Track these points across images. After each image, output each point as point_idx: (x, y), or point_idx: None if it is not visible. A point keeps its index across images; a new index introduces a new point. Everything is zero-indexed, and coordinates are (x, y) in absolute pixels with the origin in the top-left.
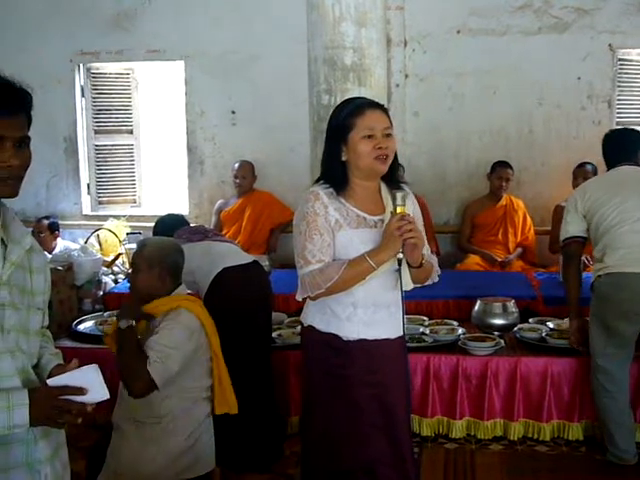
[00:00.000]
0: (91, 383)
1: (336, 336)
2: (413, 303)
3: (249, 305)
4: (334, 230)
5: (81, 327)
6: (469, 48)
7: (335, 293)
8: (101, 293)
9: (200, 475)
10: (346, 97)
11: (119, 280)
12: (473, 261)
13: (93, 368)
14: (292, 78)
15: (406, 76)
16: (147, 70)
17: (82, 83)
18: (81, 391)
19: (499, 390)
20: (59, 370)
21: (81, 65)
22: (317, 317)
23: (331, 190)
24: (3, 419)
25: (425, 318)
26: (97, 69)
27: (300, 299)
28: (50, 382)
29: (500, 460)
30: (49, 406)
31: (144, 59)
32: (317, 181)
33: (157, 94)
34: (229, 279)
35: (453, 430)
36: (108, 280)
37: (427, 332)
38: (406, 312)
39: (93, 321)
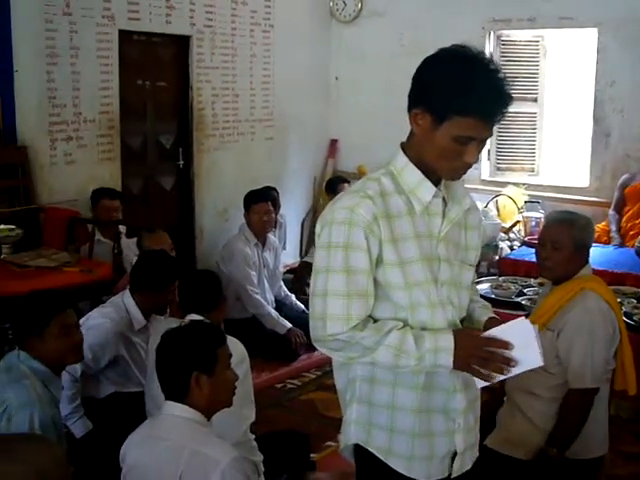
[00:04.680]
0: (524, 343)
1: None
2: None
3: None
4: None
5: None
6: None
7: None
8: (497, 258)
9: (590, 458)
10: None
11: (514, 247)
12: None
13: (528, 326)
14: None
15: None
16: (557, 37)
17: (492, 50)
18: (507, 345)
19: None
20: (493, 323)
21: (492, 32)
22: None
23: None
24: (430, 359)
25: None
26: (507, 36)
27: None
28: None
29: None
30: (471, 355)
31: (555, 26)
32: None
33: (566, 62)
34: None
35: None
36: (504, 246)
37: None
38: None
39: (489, 284)
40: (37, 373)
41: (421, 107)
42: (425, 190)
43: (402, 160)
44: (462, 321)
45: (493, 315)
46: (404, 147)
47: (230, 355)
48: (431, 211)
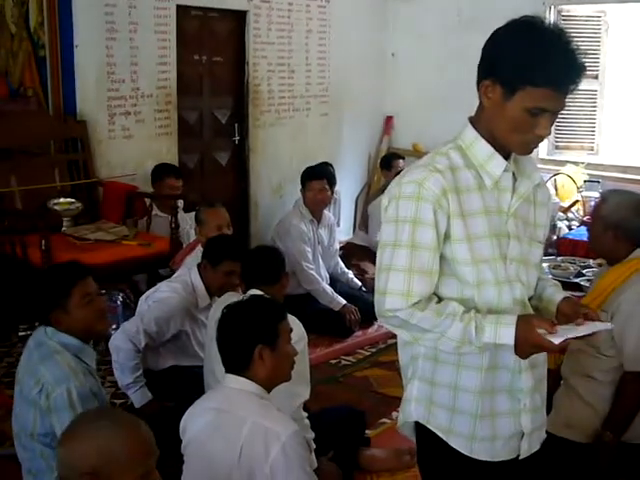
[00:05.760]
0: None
1: None
2: None
3: None
4: None
5: None
6: None
7: None
8: (555, 237)
9: None
10: None
11: (573, 227)
12: None
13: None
14: None
15: None
16: (620, 13)
17: None
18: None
19: None
20: (568, 304)
21: (552, 7)
22: None
23: None
24: (491, 332)
25: None
26: (567, 12)
27: None
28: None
29: None
30: (531, 347)
31: (618, 1)
32: None
33: (629, 38)
34: None
35: None
36: (562, 225)
37: None
38: None
39: (547, 264)
40: (67, 346)
41: (491, 79)
42: (496, 164)
43: (471, 134)
44: (530, 299)
45: (567, 295)
46: (472, 121)
47: (290, 330)
48: (501, 186)
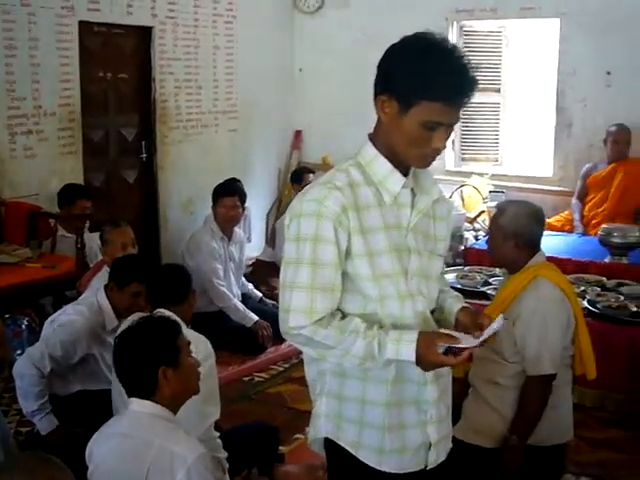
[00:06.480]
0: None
1: None
2: None
3: None
4: None
5: None
6: None
7: None
8: (462, 248)
9: (556, 444)
10: None
11: (479, 237)
12: None
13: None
14: None
15: None
16: (519, 28)
17: (455, 41)
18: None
19: None
20: (465, 314)
21: (455, 23)
22: None
23: None
24: (392, 349)
25: None
26: (470, 27)
27: None
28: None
29: None
30: (429, 362)
31: (517, 17)
32: None
33: (528, 52)
34: None
35: None
36: (469, 236)
37: None
38: None
39: (455, 274)
40: None
41: (387, 94)
42: (394, 181)
43: (370, 151)
44: (432, 312)
45: (465, 305)
46: (372, 138)
47: (189, 342)
48: (400, 202)
